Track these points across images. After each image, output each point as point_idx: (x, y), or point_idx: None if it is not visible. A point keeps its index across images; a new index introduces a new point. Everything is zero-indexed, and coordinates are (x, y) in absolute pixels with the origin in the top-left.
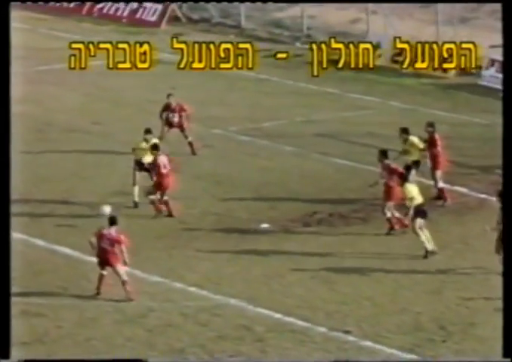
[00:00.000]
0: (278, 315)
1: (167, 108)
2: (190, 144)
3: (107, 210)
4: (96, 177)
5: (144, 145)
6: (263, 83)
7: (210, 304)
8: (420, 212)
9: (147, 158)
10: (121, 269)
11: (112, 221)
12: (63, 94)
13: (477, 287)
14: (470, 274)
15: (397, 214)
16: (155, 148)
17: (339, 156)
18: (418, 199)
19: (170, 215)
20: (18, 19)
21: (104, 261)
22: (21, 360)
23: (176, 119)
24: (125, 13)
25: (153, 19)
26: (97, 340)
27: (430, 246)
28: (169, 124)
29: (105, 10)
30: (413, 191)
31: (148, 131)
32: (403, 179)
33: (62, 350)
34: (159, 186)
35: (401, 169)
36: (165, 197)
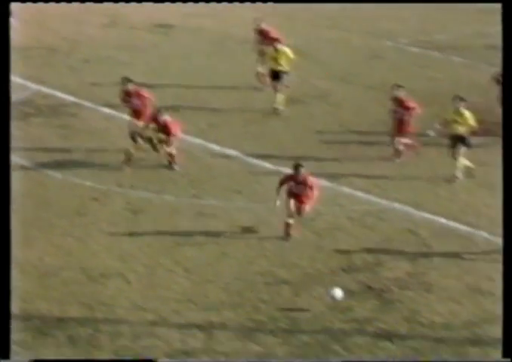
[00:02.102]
0: (443, 220)
1: None
2: None
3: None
4: None
5: None
6: None
7: (376, 208)
8: None
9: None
10: None
11: None
12: None
13: None
14: None
15: None
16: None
17: None
18: None
19: None
20: None
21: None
22: (31, 360)
23: None
24: None
25: None
26: (268, 242)
27: None
28: None
29: None
30: None
31: None
32: None
33: (234, 250)
34: None
35: None
36: None
